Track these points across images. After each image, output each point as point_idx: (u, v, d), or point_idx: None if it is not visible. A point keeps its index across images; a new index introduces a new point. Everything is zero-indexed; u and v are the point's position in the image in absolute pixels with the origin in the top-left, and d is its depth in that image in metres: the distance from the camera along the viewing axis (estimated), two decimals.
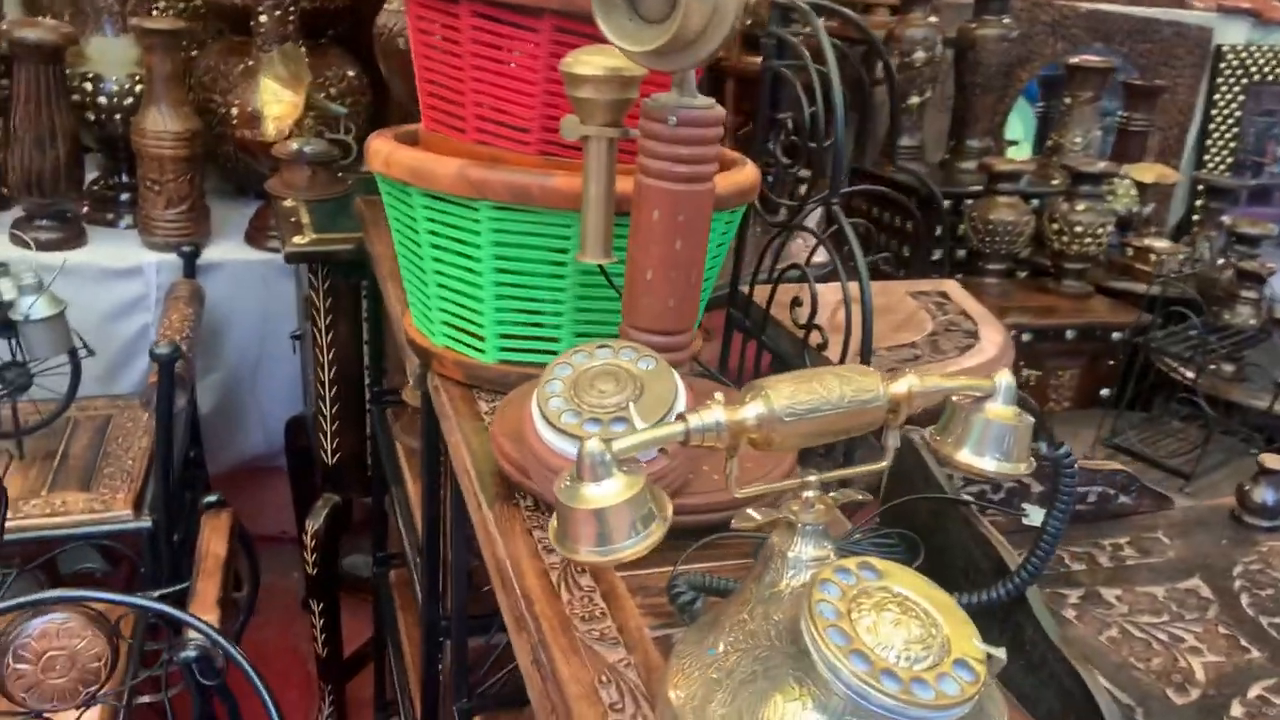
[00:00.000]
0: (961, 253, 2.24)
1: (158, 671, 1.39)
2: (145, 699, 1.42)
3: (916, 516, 0.84)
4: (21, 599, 1.24)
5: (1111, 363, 1.89)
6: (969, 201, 2.10)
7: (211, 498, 1.58)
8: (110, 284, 1.96)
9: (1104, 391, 1.91)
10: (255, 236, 2.10)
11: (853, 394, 0.61)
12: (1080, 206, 1.85)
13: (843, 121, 1.06)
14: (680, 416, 0.59)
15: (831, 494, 0.66)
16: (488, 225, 0.93)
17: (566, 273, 0.96)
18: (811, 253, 1.13)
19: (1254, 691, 0.77)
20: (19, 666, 1.21)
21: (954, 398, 0.68)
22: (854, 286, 1.04)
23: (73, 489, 1.66)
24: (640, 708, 0.64)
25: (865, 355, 1.03)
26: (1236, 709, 0.75)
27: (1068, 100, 2.20)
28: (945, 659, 0.57)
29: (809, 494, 0.63)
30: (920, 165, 2.31)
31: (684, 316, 0.84)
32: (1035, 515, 0.89)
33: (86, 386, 1.80)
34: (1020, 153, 2.62)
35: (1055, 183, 2.07)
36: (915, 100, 2.25)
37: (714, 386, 1.03)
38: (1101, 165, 1.87)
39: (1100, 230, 1.85)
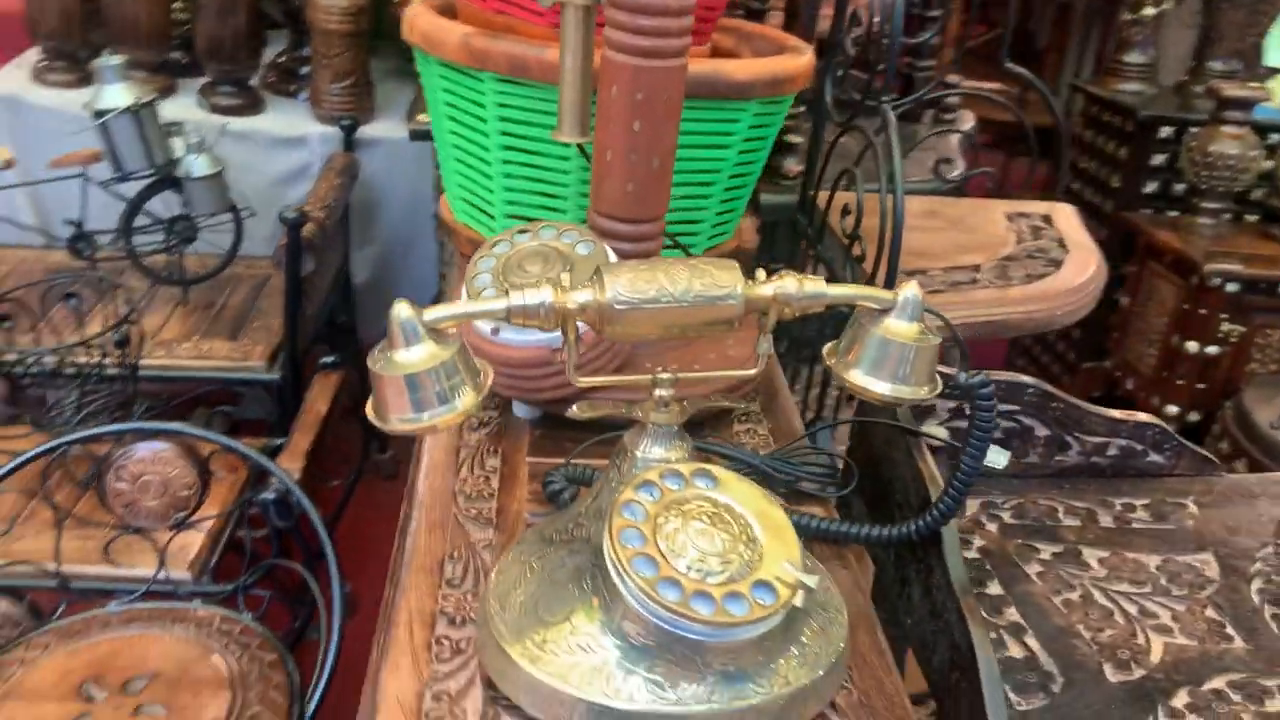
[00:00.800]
0: (1180, 187, 2.02)
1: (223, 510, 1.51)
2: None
3: (874, 444, 0.78)
4: (124, 425, 1.38)
5: None
6: (1193, 130, 1.88)
7: (329, 359, 1.69)
8: (279, 151, 2.09)
9: None
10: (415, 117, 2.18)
11: (701, 288, 0.57)
12: None
13: (900, 14, 0.97)
14: (506, 293, 0.57)
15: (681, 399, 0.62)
16: (493, 98, 0.92)
17: (573, 152, 0.94)
18: (860, 156, 1.04)
19: (1212, 684, 0.68)
20: (118, 485, 1.36)
21: (857, 311, 0.62)
22: (920, 200, 0.97)
23: (221, 338, 1.81)
24: (476, 586, 0.64)
25: (891, 271, 0.95)
26: (1180, 698, 0.66)
27: None
28: (746, 577, 0.54)
29: (661, 393, 0.60)
30: (1148, 85, 2.09)
31: (645, 205, 0.80)
32: (995, 457, 0.80)
33: (255, 246, 1.94)
34: None
35: None
36: (1150, 11, 2.00)
37: None
38: None
39: None
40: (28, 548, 1.40)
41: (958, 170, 1.31)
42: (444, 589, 0.63)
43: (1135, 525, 0.82)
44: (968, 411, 0.61)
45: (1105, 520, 0.82)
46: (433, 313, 0.56)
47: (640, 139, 0.77)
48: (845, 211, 1.05)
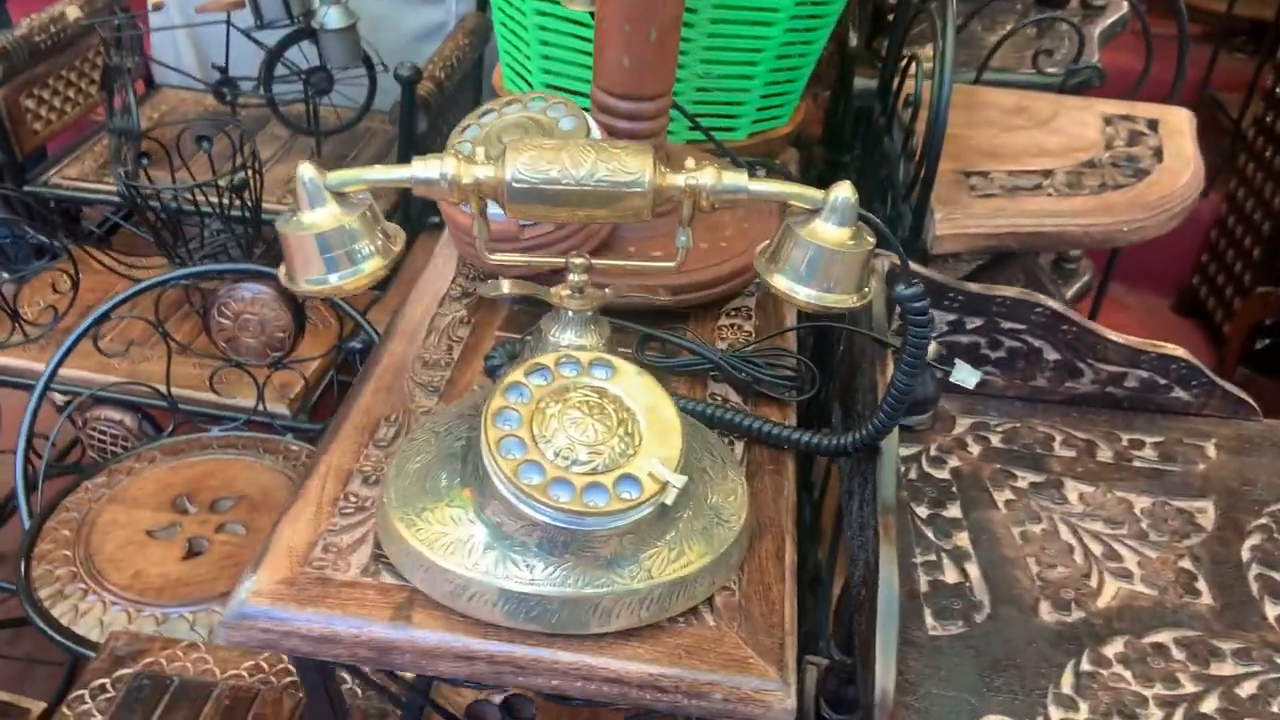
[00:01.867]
0: None
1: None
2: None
3: (854, 352, 0.75)
4: (226, 266, 1.48)
5: None
6: None
7: (437, 219, 1.74)
8: (414, 8, 2.12)
9: None
10: None
11: (606, 173, 0.56)
12: None
13: None
14: (412, 162, 0.57)
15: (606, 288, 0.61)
16: None
17: None
18: (903, 30, 0.97)
19: (1155, 637, 0.63)
20: (222, 321, 1.46)
21: (787, 210, 0.59)
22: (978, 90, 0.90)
23: None
24: (394, 446, 0.66)
25: (929, 169, 0.90)
26: (1113, 647, 0.63)
27: None
28: (612, 470, 0.54)
29: (574, 278, 0.59)
30: None
31: (642, 81, 0.78)
32: (964, 375, 0.76)
33: (389, 103, 2.00)
34: None
35: None
36: None
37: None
38: None
39: None
40: (150, 369, 1.54)
41: (1059, 64, 1.20)
42: (369, 448, 0.66)
43: (1136, 463, 0.76)
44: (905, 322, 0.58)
45: (1103, 454, 0.77)
46: (336, 175, 0.57)
47: (636, 8, 0.74)
48: (907, 102, 0.99)
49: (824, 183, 0.57)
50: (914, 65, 0.96)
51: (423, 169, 0.56)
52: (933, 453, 0.76)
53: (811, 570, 1.02)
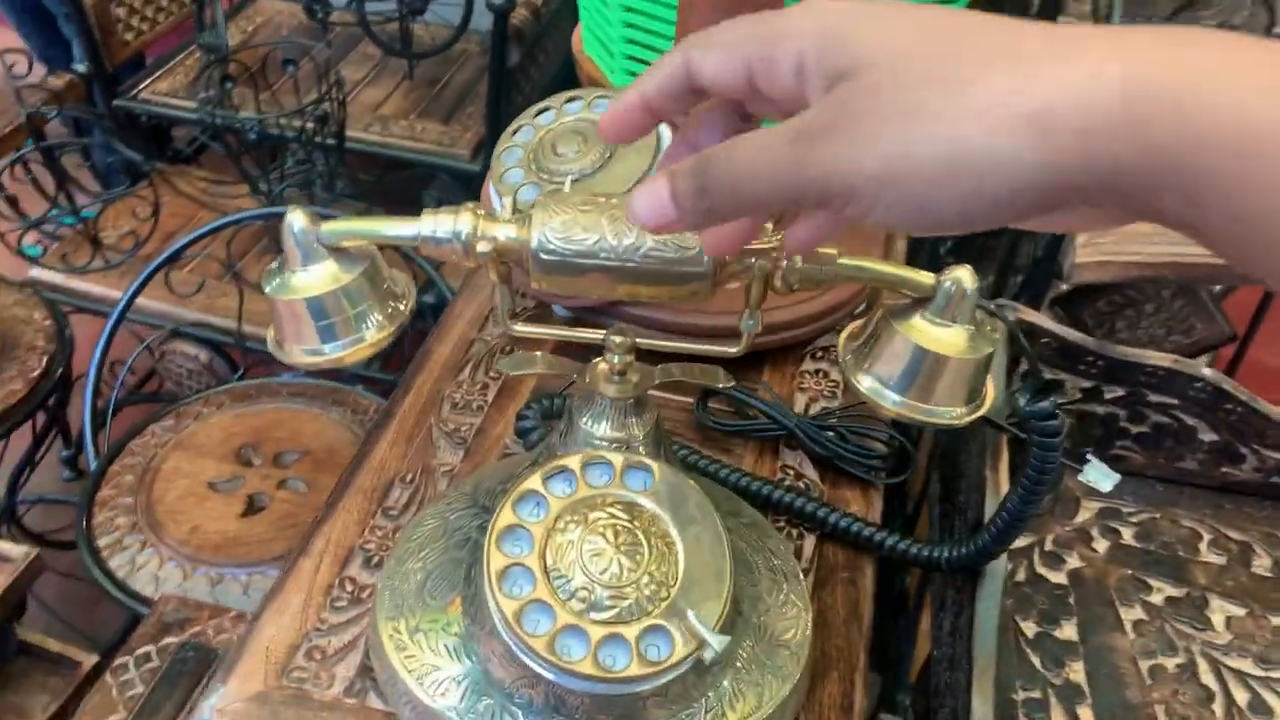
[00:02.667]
0: None
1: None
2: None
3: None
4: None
5: None
6: None
7: None
8: None
9: None
10: None
11: (655, 245, 0.44)
12: None
13: None
14: (422, 216, 0.46)
15: (678, 367, 0.50)
16: None
17: None
18: None
19: None
20: None
21: (883, 296, 0.46)
22: None
23: (435, 119, 1.79)
24: (405, 516, 0.57)
25: None
26: None
27: None
28: (639, 619, 0.43)
29: (615, 358, 0.48)
30: None
31: None
32: (1096, 476, 0.62)
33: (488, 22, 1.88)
34: None
35: None
36: None
37: None
38: None
39: None
40: (227, 304, 1.49)
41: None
42: (377, 518, 0.57)
43: None
44: (1031, 438, 0.45)
45: (1260, 564, 0.63)
46: (331, 227, 0.46)
47: None
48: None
49: None
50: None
51: (432, 225, 0.45)
52: (1048, 547, 0.64)
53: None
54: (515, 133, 0.65)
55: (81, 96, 1.63)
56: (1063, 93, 0.27)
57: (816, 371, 0.67)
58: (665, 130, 0.64)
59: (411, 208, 0.47)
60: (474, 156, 1.72)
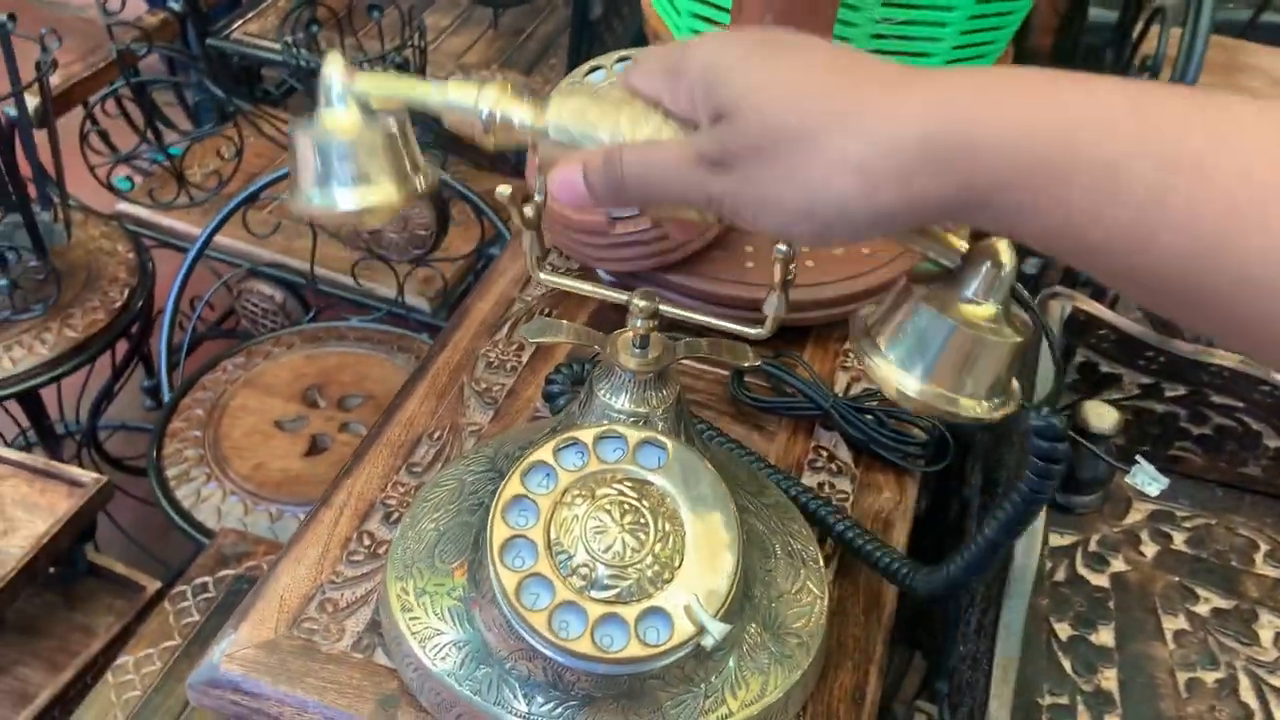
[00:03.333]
0: None
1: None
2: None
3: None
4: None
5: None
6: None
7: None
8: None
9: None
10: None
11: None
12: None
13: None
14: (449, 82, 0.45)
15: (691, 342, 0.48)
16: None
17: None
18: None
19: None
20: None
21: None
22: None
23: (516, 69, 1.78)
24: (429, 474, 0.57)
25: None
26: None
27: None
28: (639, 600, 0.43)
29: (639, 323, 0.47)
30: None
31: None
32: (1144, 479, 0.59)
33: None
34: None
35: None
36: None
37: None
38: None
39: None
40: (302, 247, 1.51)
41: None
42: (401, 474, 0.57)
43: None
44: (1032, 454, 0.42)
45: None
46: (365, 80, 0.45)
47: None
48: (1144, 64, 0.78)
49: None
50: (1160, 19, 0.75)
51: (458, 94, 0.43)
52: (1093, 547, 0.61)
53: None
54: (569, 81, 0.64)
55: (175, 34, 1.66)
56: (880, 143, 0.31)
57: (850, 351, 0.65)
58: None
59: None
60: None
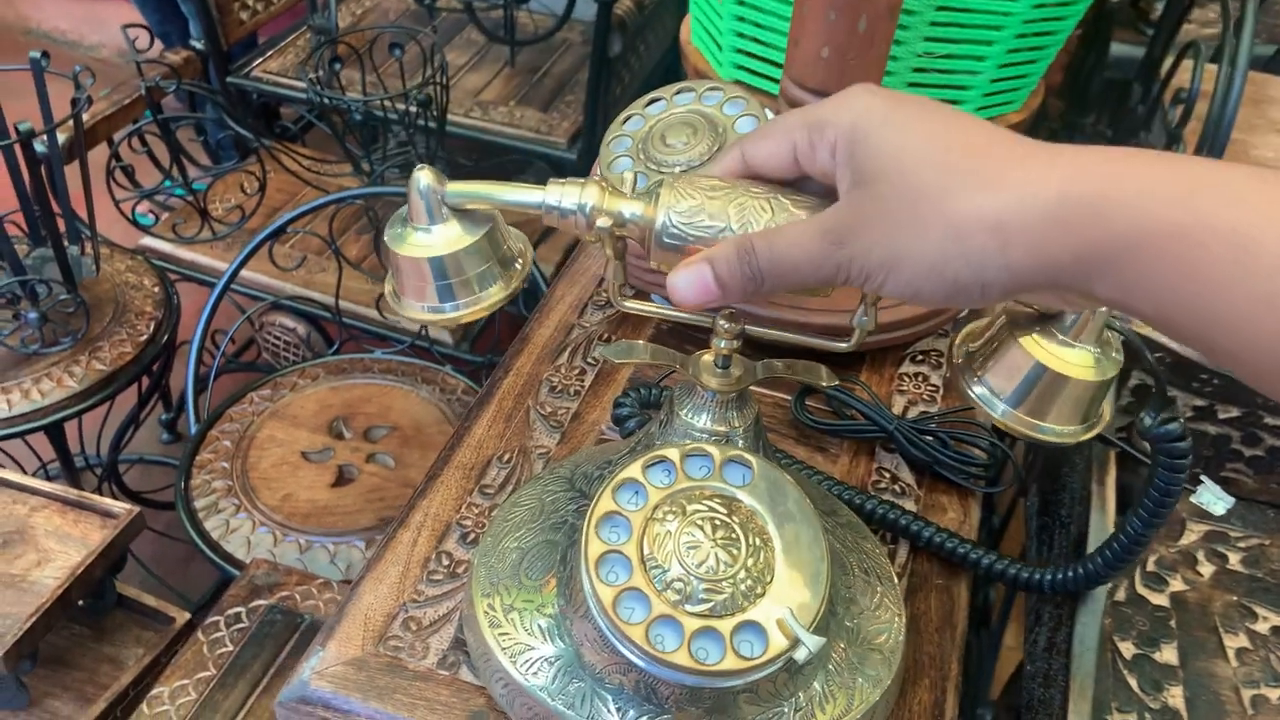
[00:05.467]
0: None
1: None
2: None
3: None
4: (401, 189, 1.43)
5: None
6: None
7: None
8: None
9: None
10: None
11: None
12: None
13: None
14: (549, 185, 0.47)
15: (784, 362, 0.49)
16: None
17: None
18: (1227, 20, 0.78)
19: None
20: None
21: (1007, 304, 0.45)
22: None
23: (534, 107, 1.80)
24: (501, 495, 0.58)
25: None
26: None
27: None
28: (734, 614, 0.44)
29: (723, 344, 0.48)
30: None
31: (844, 78, 0.64)
32: (1210, 499, 0.60)
33: (592, 11, 1.89)
34: None
35: None
36: None
37: None
38: None
39: None
40: (325, 280, 1.53)
41: None
42: (474, 495, 0.58)
43: None
44: (1156, 459, 0.44)
45: None
46: (457, 188, 0.47)
47: None
48: (1176, 98, 0.80)
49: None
50: (1193, 54, 0.77)
51: (558, 195, 0.45)
52: (1150, 567, 0.62)
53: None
54: (625, 121, 0.65)
55: (197, 72, 1.68)
56: (1012, 207, 0.33)
57: (916, 375, 0.66)
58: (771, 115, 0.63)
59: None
60: (570, 145, 1.73)
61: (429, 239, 0.47)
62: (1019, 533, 1.22)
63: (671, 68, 2.03)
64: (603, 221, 0.45)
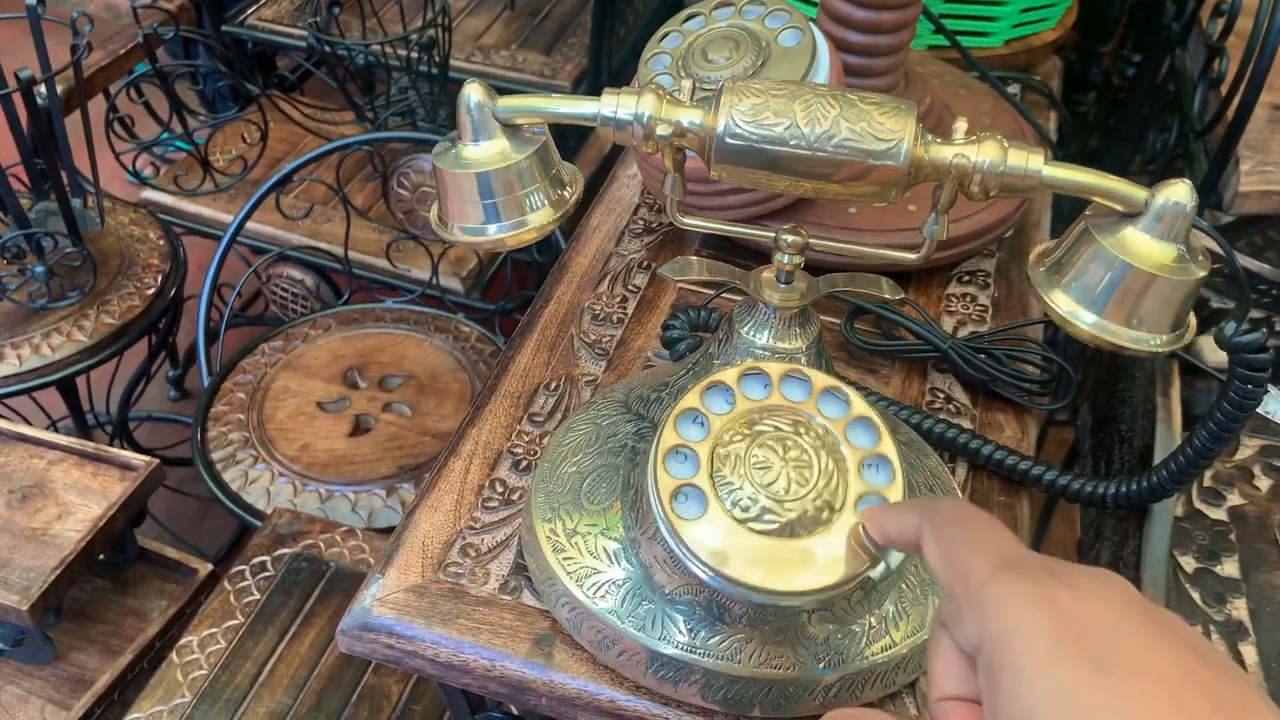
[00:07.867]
0: None
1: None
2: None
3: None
4: (409, 134, 1.40)
5: None
6: None
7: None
8: None
9: None
10: None
11: (850, 135, 0.42)
12: None
13: None
14: (603, 96, 0.45)
15: (837, 277, 0.48)
16: None
17: None
18: None
19: None
20: (400, 191, 1.40)
21: (1090, 207, 0.44)
22: None
23: (536, 50, 1.77)
24: (550, 423, 0.56)
25: (1245, 102, 0.70)
26: None
27: None
28: (808, 533, 0.42)
29: (785, 259, 0.46)
30: None
31: None
32: (1277, 408, 0.59)
33: None
34: None
35: None
36: None
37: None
38: None
39: None
40: (332, 230, 1.50)
41: None
42: (524, 423, 0.56)
43: None
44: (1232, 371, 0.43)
45: None
46: (508, 102, 0.45)
47: None
48: (1217, 10, 0.78)
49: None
50: None
51: (614, 105, 0.44)
52: (1207, 483, 0.61)
53: None
54: (663, 39, 0.63)
55: (192, 19, 1.64)
56: None
57: (964, 295, 0.65)
58: (820, 35, 0.61)
59: None
60: (575, 88, 1.69)
61: (476, 154, 0.46)
62: (1050, 455, 1.22)
63: (674, 8, 1.99)
64: (662, 130, 0.43)
